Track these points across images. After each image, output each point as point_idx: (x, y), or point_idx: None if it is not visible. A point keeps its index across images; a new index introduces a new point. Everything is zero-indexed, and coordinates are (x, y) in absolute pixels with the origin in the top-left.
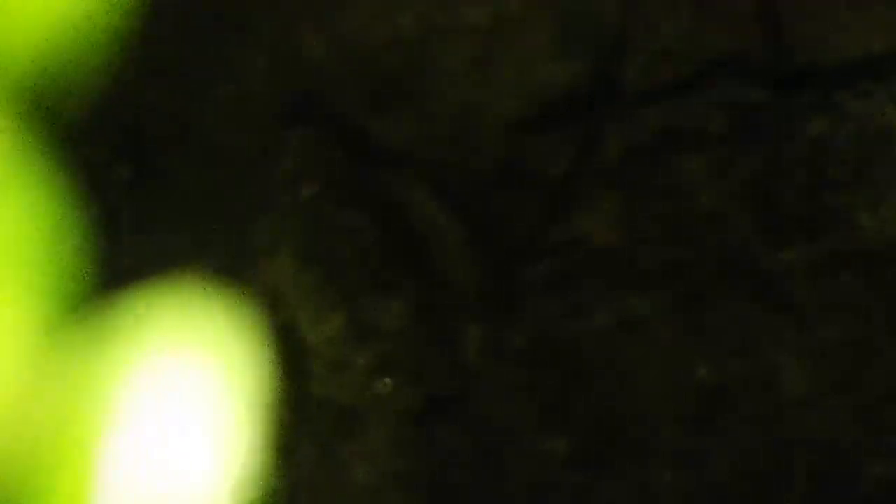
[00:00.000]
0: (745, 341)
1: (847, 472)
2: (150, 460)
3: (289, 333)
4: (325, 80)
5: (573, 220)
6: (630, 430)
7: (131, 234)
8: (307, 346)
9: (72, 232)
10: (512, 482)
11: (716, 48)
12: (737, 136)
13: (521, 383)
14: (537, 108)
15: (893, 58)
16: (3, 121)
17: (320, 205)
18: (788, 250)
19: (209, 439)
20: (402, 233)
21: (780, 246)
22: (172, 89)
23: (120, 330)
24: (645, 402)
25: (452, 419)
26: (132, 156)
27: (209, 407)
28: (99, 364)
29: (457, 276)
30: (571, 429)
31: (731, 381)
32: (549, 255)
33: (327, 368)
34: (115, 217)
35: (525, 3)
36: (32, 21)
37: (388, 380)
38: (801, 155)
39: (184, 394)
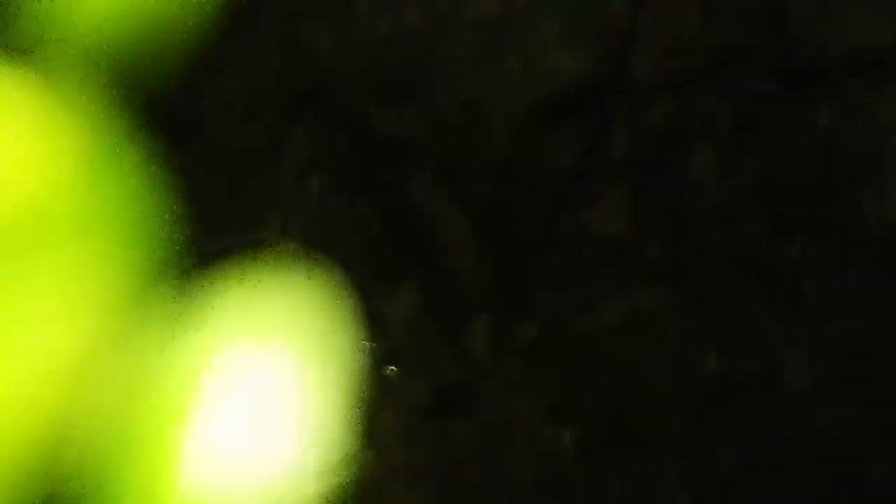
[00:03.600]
0: (752, 335)
1: (855, 466)
2: (233, 441)
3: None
4: (331, 73)
5: (582, 214)
6: (638, 423)
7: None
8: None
9: (160, 206)
10: (520, 475)
11: (724, 41)
12: (745, 130)
13: (529, 376)
14: (545, 101)
15: None
16: (85, 91)
17: (328, 197)
18: (797, 244)
19: (295, 422)
20: (410, 225)
21: (789, 240)
22: (180, 83)
23: (205, 307)
24: (653, 395)
25: (461, 412)
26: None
27: (294, 388)
28: (177, 339)
29: (465, 269)
30: (580, 422)
31: (739, 375)
32: (558, 249)
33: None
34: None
35: None
36: (118, 6)
37: (393, 367)
38: (809, 148)
39: (269, 373)
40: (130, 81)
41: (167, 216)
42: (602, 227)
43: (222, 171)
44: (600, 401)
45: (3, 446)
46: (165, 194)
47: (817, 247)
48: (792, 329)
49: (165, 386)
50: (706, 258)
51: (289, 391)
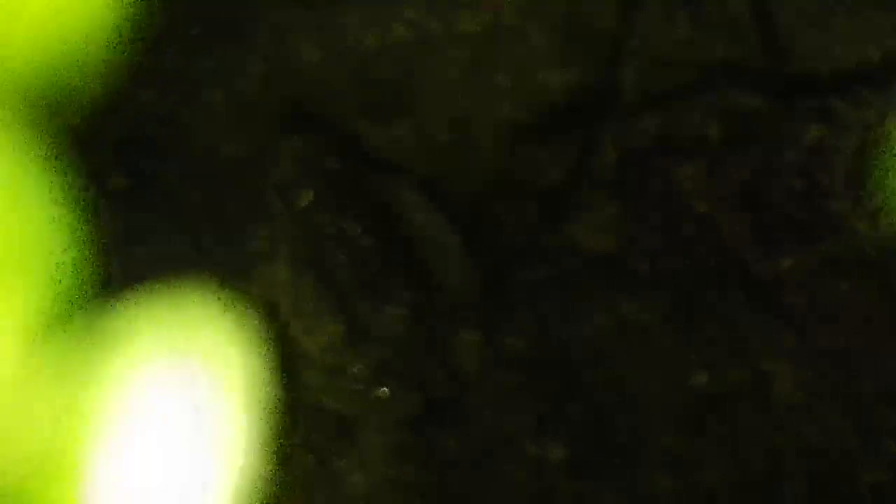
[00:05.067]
0: (739, 347)
1: (842, 479)
2: (144, 465)
3: (284, 341)
4: (319, 87)
5: (569, 226)
6: (626, 435)
7: (127, 241)
8: (303, 354)
9: (72, 236)
10: (508, 488)
11: (713, 55)
12: (733, 143)
13: (517, 389)
14: (533, 116)
15: (889, 66)
16: (7, 119)
17: (316, 212)
18: (784, 257)
19: (204, 445)
20: (397, 239)
21: (776, 253)
22: (167, 97)
23: (117, 336)
24: (640, 407)
25: (449, 424)
26: (127, 164)
27: (205, 413)
28: (96, 369)
29: (453, 282)
30: (567, 434)
31: (726, 387)
32: (545, 261)
33: (323, 376)
34: (110, 225)
35: (521, 10)
36: (36, 23)
37: (385, 389)
38: (797, 162)
39: (180, 399)
40: (50, 107)
41: (86, 247)
42: (590, 241)
43: (208, 184)
44: (588, 413)
45: None
46: (83, 226)
47: (804, 259)
48: (779, 341)
49: (78, 412)
50: (693, 271)
51: (198, 416)
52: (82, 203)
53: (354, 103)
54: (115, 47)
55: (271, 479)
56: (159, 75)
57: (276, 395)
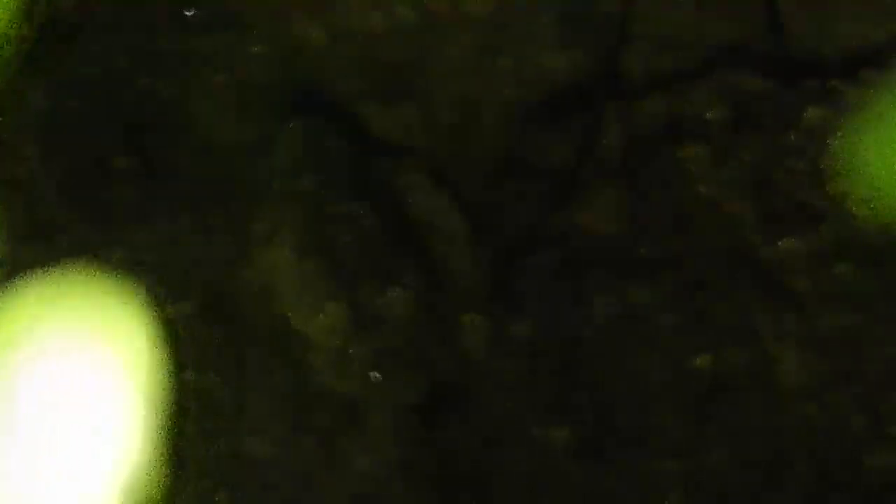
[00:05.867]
0: (745, 331)
1: (848, 461)
2: (34, 456)
3: (288, 323)
4: (324, 69)
5: (574, 210)
6: (631, 419)
7: (131, 223)
8: (307, 337)
9: None
10: (514, 471)
11: (717, 38)
12: (737, 126)
13: (522, 373)
14: (539, 99)
15: (891, 46)
16: None
17: (320, 194)
18: (788, 240)
19: (95, 434)
20: (402, 223)
21: (780, 235)
22: (170, 80)
23: (42, 315)
24: (646, 391)
25: (454, 409)
26: (131, 147)
27: (95, 401)
28: (16, 347)
29: (458, 267)
30: (573, 418)
31: (732, 371)
32: (551, 245)
33: (328, 359)
34: (114, 207)
35: None
36: None
37: (377, 373)
38: (800, 144)
39: (69, 389)
40: None
41: None
42: (595, 225)
43: (212, 167)
44: (593, 398)
45: None
46: None
47: (808, 243)
48: (783, 324)
49: None
50: (698, 254)
51: (88, 403)
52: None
53: (359, 86)
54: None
55: (276, 462)
56: (162, 59)
57: (278, 378)
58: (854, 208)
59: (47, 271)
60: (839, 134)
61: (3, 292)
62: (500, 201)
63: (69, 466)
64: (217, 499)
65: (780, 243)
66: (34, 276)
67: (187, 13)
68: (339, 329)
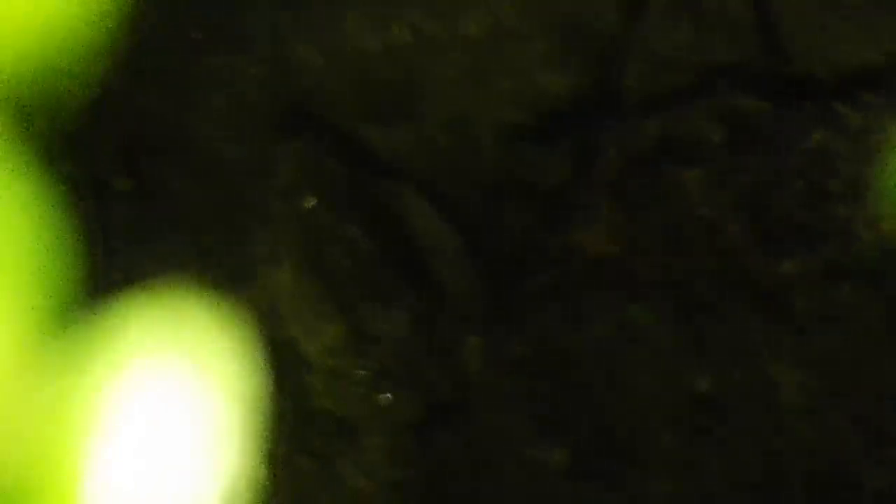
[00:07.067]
0: (743, 351)
1: (846, 483)
2: (137, 469)
3: (287, 345)
4: (320, 89)
5: (571, 231)
6: (628, 439)
7: (129, 244)
8: (305, 358)
9: (62, 239)
10: (510, 492)
11: (714, 58)
12: (735, 147)
13: (519, 393)
14: (535, 119)
15: (891, 67)
16: None
17: (318, 215)
18: (787, 261)
19: (196, 448)
20: (400, 243)
21: (779, 256)
22: (169, 101)
23: (111, 338)
24: (643, 411)
25: (451, 429)
26: (130, 168)
27: (197, 416)
28: (88, 372)
29: (455, 287)
30: (570, 438)
31: (730, 391)
32: (548, 266)
33: (325, 379)
34: (112, 228)
35: (521, 13)
36: (25, 29)
37: (388, 395)
38: (799, 166)
39: (172, 403)
40: (39, 111)
41: (68, 250)
42: (592, 245)
43: (210, 187)
44: (590, 417)
45: None
46: (74, 228)
47: (807, 263)
48: (782, 345)
49: (71, 415)
50: (696, 274)
51: (190, 419)
52: (74, 205)
53: (355, 106)
54: (100, 50)
55: (272, 482)
56: (161, 78)
57: (277, 399)
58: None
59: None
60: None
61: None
62: (497, 221)
63: (168, 475)
64: None
65: (778, 264)
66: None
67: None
68: (338, 350)
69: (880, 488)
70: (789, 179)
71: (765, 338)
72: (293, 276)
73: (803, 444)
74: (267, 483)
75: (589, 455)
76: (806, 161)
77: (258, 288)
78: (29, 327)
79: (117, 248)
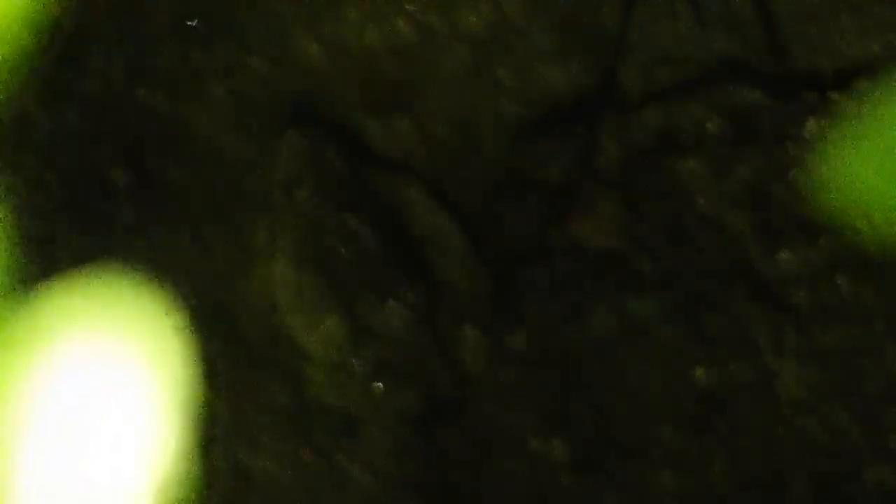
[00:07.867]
0: (743, 344)
1: (847, 476)
2: (63, 458)
3: (286, 337)
4: (321, 83)
5: (573, 224)
6: (629, 433)
7: (130, 236)
8: (304, 351)
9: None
10: (511, 485)
11: (714, 52)
12: (735, 139)
13: (520, 387)
14: (536, 113)
15: (891, 59)
16: None
17: (318, 208)
18: (787, 253)
19: (125, 436)
20: (401, 236)
21: (779, 249)
22: (169, 94)
23: (44, 327)
24: (644, 405)
25: (452, 422)
26: (130, 159)
27: (126, 404)
28: (21, 359)
29: (456, 280)
30: (571, 432)
31: (731, 385)
32: (549, 260)
33: (325, 372)
34: (113, 220)
35: (524, 8)
36: None
37: (380, 384)
38: (798, 158)
39: (100, 391)
40: None
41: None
42: (593, 238)
43: (210, 180)
44: (591, 411)
45: None
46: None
47: (807, 257)
48: (782, 338)
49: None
50: (697, 268)
51: (120, 406)
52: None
53: (356, 100)
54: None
55: (274, 476)
56: (161, 72)
57: (276, 392)
58: (853, 222)
59: (47, 284)
60: (838, 147)
61: (5, 303)
62: (498, 214)
63: (95, 464)
64: None
65: (778, 256)
66: (34, 288)
67: (190, 23)
68: (338, 342)
69: (881, 480)
70: (789, 171)
71: (765, 330)
72: (292, 269)
73: (803, 437)
74: (189, 470)
75: (590, 448)
76: (805, 152)
77: (257, 280)
78: None
79: (117, 239)
